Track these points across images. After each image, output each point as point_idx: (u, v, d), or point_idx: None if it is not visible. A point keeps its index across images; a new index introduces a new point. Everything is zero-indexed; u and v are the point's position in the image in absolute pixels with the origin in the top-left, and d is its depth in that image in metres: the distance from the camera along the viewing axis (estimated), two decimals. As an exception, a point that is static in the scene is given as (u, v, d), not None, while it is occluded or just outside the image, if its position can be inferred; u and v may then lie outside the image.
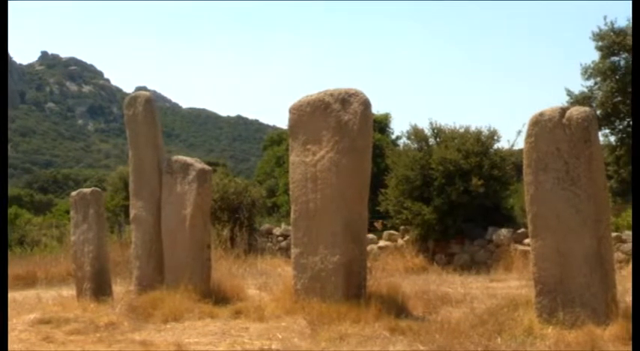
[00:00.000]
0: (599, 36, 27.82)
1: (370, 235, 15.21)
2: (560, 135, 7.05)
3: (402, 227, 15.97)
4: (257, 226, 18.88)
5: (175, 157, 10.17)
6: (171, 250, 9.81)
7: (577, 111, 7.16)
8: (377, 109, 25.65)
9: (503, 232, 14.51)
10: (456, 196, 14.81)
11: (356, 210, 8.49)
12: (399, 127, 51.95)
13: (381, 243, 16.02)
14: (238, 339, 7.25)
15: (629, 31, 26.89)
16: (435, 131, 16.68)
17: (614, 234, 12.81)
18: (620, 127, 28.49)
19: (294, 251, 8.82)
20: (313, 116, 8.77)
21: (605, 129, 28.49)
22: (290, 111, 9.11)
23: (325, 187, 8.50)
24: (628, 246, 12.95)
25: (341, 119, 8.48)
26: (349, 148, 8.40)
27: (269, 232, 18.64)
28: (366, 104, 8.49)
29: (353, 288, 8.25)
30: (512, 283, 10.42)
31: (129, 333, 7.61)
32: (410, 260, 14.16)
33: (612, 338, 6.19)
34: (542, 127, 7.19)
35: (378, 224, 16.23)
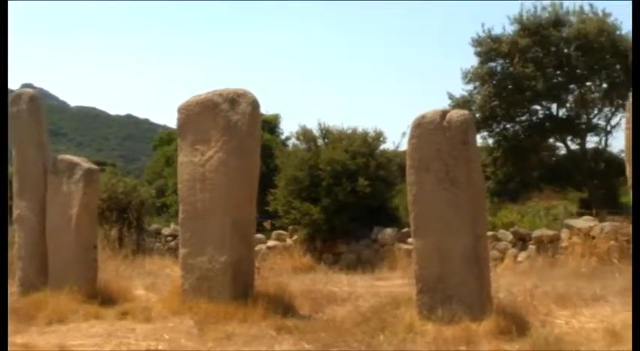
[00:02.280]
0: (477, 42, 28.99)
1: (259, 235, 15.21)
2: (441, 137, 7.29)
3: (290, 227, 16.06)
4: (146, 226, 18.47)
5: (61, 157, 9.92)
6: (56, 250, 9.51)
7: (456, 114, 7.43)
8: (266, 109, 25.70)
9: (389, 231, 14.85)
10: (344, 196, 15.06)
11: (244, 210, 8.48)
12: (288, 128, 52.13)
13: (270, 243, 16.04)
14: (124, 340, 7.09)
15: (504, 39, 28.19)
16: (324, 132, 16.92)
17: (490, 233, 13.39)
18: (497, 129, 29.78)
19: (181, 251, 8.71)
20: (202, 116, 8.68)
21: (483, 131, 29.69)
22: (179, 111, 8.99)
23: (214, 187, 8.43)
24: (503, 244, 13.56)
25: (230, 119, 8.43)
26: (238, 149, 8.37)
27: (158, 232, 18.28)
28: (254, 104, 8.48)
29: (240, 288, 8.22)
30: (396, 282, 10.66)
31: (10, 336, 7.26)
32: (298, 260, 14.24)
33: (486, 333, 6.45)
34: (423, 129, 7.42)
35: (266, 224, 16.26)
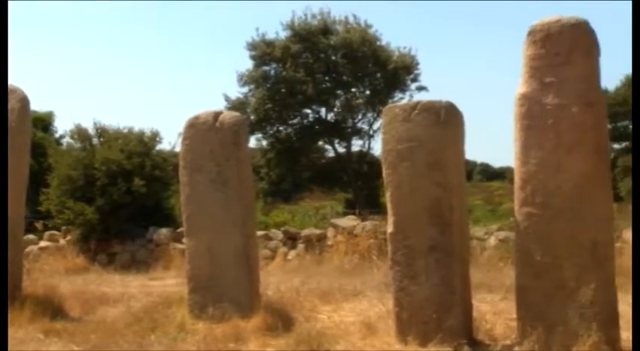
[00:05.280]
0: (252, 46, 29.56)
1: (30, 236, 14.60)
2: (214, 138, 7.41)
3: (64, 227, 15.38)
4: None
5: None
6: None
7: (229, 115, 7.59)
8: (40, 106, 24.55)
9: (164, 231, 14.77)
10: (119, 196, 14.76)
11: (13, 209, 8.00)
12: (63, 126, 49.43)
13: (42, 243, 15.22)
14: None
15: (278, 44, 29.08)
16: (99, 131, 16.49)
17: (262, 232, 13.78)
18: (271, 132, 30.60)
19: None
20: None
21: (257, 133, 30.32)
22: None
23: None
24: (274, 243, 13.98)
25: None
26: (8, 146, 7.89)
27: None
28: (24, 101, 8.18)
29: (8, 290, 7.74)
30: (170, 281, 10.61)
31: None
32: (71, 260, 13.66)
33: (254, 329, 6.66)
34: (197, 129, 7.51)
35: (38, 224, 15.43)
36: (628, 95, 42.51)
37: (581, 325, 5.39)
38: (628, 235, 11.16)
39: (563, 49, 5.64)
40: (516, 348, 5.68)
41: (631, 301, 7.80)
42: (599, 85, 5.74)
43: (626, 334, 5.80)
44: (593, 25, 5.72)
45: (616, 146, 44.26)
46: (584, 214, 5.55)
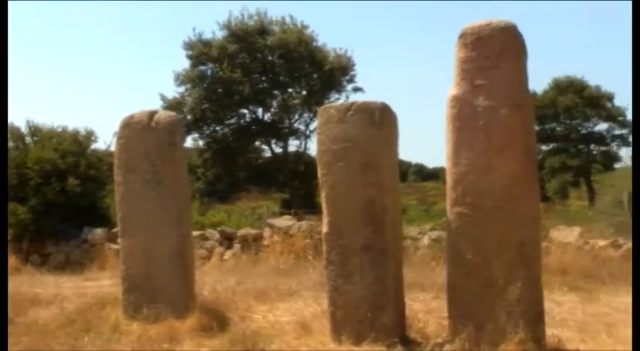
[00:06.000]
0: (189, 45, 29.32)
1: (-42, 238, 13.98)
2: (149, 137, 7.34)
3: (-5, 227, 14.95)
4: None
5: None
6: None
7: (164, 115, 7.52)
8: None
9: (99, 231, 14.58)
10: (53, 196, 14.51)
11: None
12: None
13: (-28, 245, 14.74)
14: None
15: (214, 43, 28.91)
16: (32, 130, 16.19)
17: (199, 232, 13.69)
18: (208, 131, 30.41)
19: None
20: None
21: (194, 133, 30.09)
22: None
23: None
24: (210, 243, 13.90)
25: None
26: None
27: None
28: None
29: None
30: (105, 282, 10.46)
31: None
32: (3, 261, 13.28)
33: (189, 330, 6.64)
34: (132, 129, 7.42)
35: (-33, 225, 14.95)
36: (555, 98, 43.99)
37: (509, 323, 5.51)
38: (554, 234, 11.53)
39: (493, 53, 5.78)
40: (447, 346, 5.77)
41: (556, 298, 8.12)
42: (527, 88, 5.90)
43: (550, 331, 5.99)
44: (521, 28, 5.88)
45: (544, 148, 45.60)
46: (512, 214, 5.68)
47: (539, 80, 48.61)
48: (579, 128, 45.50)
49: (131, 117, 7.48)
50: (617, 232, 11.73)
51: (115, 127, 7.63)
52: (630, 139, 45.30)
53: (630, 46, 6.35)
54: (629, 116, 44.49)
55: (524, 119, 5.80)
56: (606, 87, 44.85)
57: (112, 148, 15.93)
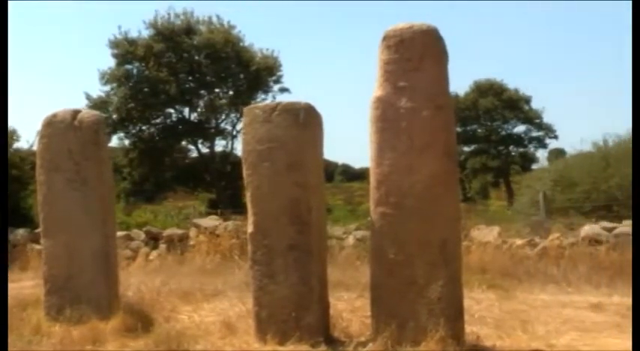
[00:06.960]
0: (114, 44, 28.84)
1: None
2: (72, 137, 7.25)
3: None
4: None
5: None
6: None
7: (87, 114, 7.43)
8: None
9: (21, 231, 14.32)
10: (-28, 196, 14.05)
11: None
12: None
13: None
14: None
15: (140, 42, 28.52)
16: (-49, 130, 15.62)
17: (124, 232, 13.50)
18: (134, 131, 29.98)
19: None
20: None
21: (120, 132, 29.62)
22: None
23: None
24: (136, 243, 13.73)
25: None
26: None
27: None
28: None
29: None
30: (27, 283, 10.22)
31: None
32: None
33: (113, 331, 6.57)
34: (55, 128, 7.32)
35: None
36: (476, 100, 45.17)
37: (430, 321, 5.61)
38: (475, 233, 11.86)
39: (415, 55, 5.90)
40: (370, 345, 5.83)
41: (475, 296, 8.37)
42: (448, 90, 6.06)
43: (470, 328, 6.18)
44: (443, 31, 6.03)
45: (465, 149, 46.75)
46: (434, 214, 5.79)
47: (460, 82, 49.79)
48: (499, 130, 46.85)
49: (54, 116, 7.36)
50: (533, 232, 12.14)
51: (38, 126, 7.48)
52: (547, 141, 47.03)
53: (630, 45, 6.56)
54: (546, 119, 46.21)
55: (446, 121, 5.93)
56: (523, 90, 46.23)
57: (35, 148, 15.70)
